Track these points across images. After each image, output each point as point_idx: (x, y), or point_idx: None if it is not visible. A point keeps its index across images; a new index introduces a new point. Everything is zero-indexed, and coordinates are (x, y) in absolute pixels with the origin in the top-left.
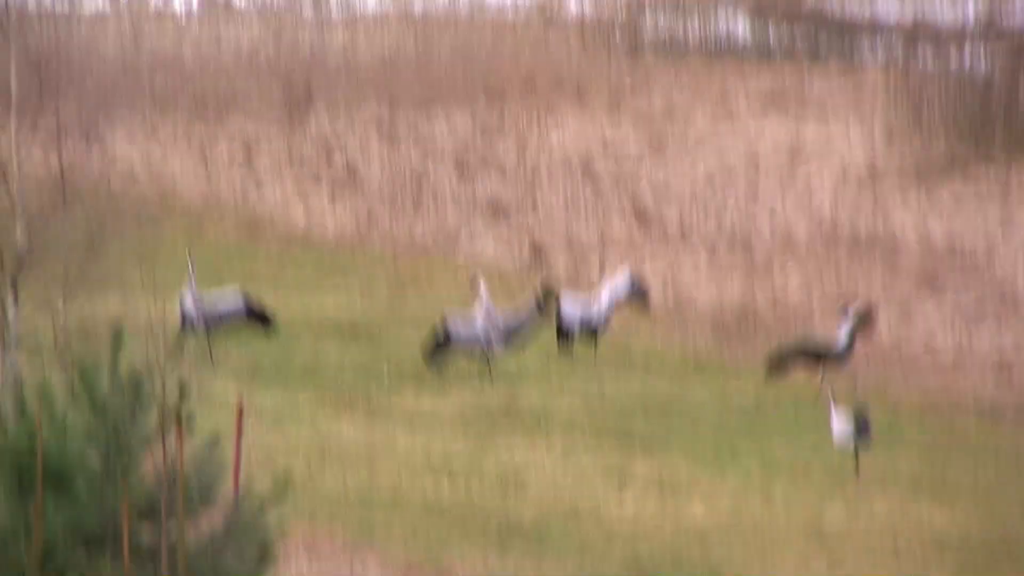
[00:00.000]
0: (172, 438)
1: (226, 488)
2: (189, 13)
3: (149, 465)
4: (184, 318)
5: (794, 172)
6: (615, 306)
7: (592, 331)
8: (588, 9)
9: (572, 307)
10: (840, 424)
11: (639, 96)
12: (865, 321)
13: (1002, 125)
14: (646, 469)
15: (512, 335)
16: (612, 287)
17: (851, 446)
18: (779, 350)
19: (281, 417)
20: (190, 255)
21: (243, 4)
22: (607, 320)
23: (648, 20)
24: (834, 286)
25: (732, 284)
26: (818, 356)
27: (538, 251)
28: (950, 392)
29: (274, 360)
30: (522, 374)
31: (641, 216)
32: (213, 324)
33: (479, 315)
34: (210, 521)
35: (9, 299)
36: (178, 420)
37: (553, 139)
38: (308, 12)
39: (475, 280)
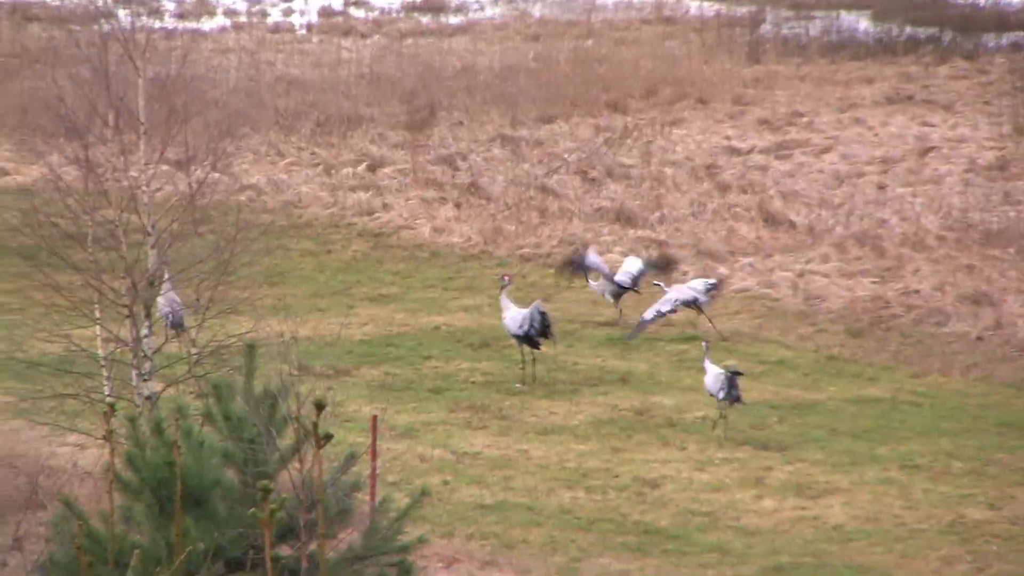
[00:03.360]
0: (309, 455)
1: (363, 505)
2: (308, 27)
3: (286, 483)
4: None
5: (922, 168)
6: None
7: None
8: (708, 11)
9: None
10: (712, 379)
11: (763, 98)
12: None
13: None
14: (783, 473)
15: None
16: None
17: (718, 402)
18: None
19: (414, 432)
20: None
21: (362, 16)
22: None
23: (769, 21)
24: (967, 281)
25: (863, 283)
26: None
27: (667, 258)
28: None
29: (405, 375)
30: (654, 380)
31: (769, 218)
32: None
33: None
34: (348, 538)
35: (143, 324)
36: (316, 437)
37: (677, 145)
38: (427, 23)
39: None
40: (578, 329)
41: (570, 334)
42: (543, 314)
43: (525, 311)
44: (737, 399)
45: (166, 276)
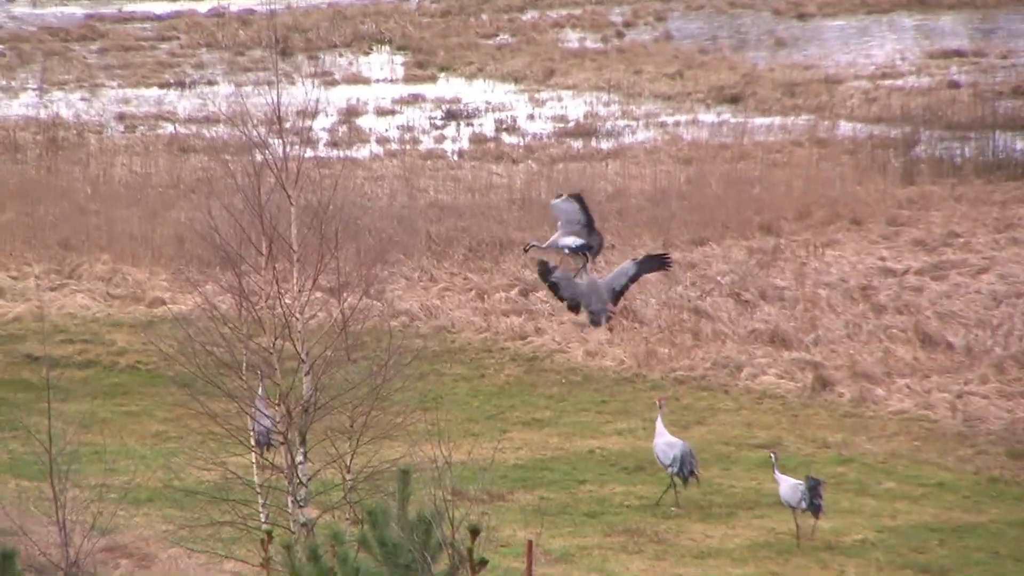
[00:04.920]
0: None
1: None
2: (460, 153)
3: None
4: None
5: None
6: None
7: None
8: (860, 133)
9: None
10: (788, 489)
11: (918, 219)
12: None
13: None
14: None
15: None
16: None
17: (799, 510)
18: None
19: (570, 556)
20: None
21: (514, 141)
22: None
23: (923, 142)
24: None
25: None
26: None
27: (822, 380)
28: None
29: (559, 500)
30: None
31: (925, 339)
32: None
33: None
34: None
35: (298, 451)
36: (471, 563)
37: (831, 266)
38: (578, 148)
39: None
40: (733, 452)
41: (725, 456)
42: (693, 458)
43: (679, 447)
44: (819, 508)
45: (259, 391)
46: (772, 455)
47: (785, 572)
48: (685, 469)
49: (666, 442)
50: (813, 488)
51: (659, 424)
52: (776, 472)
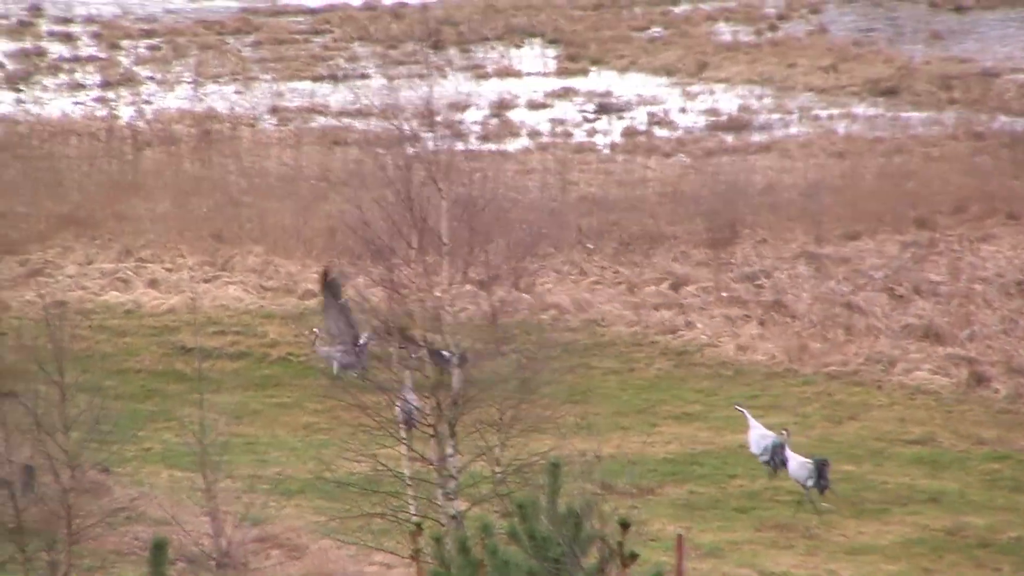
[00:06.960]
0: (614, 575)
1: None
2: (612, 147)
3: None
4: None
5: None
6: None
7: None
8: (1019, 126)
9: None
10: (797, 467)
11: None
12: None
13: None
14: None
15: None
16: None
17: (806, 488)
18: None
19: (720, 551)
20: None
21: (665, 135)
22: None
23: None
24: None
25: None
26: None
27: (977, 376)
28: None
29: (710, 494)
30: (965, 500)
31: None
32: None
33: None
34: None
35: (448, 444)
36: (621, 556)
37: (987, 261)
38: (731, 141)
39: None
40: (886, 448)
41: (878, 452)
42: (783, 451)
43: (771, 439)
44: (826, 487)
45: (407, 382)
46: (784, 432)
47: (939, 569)
48: (776, 460)
49: (760, 434)
50: (821, 467)
51: (749, 418)
52: (787, 451)
